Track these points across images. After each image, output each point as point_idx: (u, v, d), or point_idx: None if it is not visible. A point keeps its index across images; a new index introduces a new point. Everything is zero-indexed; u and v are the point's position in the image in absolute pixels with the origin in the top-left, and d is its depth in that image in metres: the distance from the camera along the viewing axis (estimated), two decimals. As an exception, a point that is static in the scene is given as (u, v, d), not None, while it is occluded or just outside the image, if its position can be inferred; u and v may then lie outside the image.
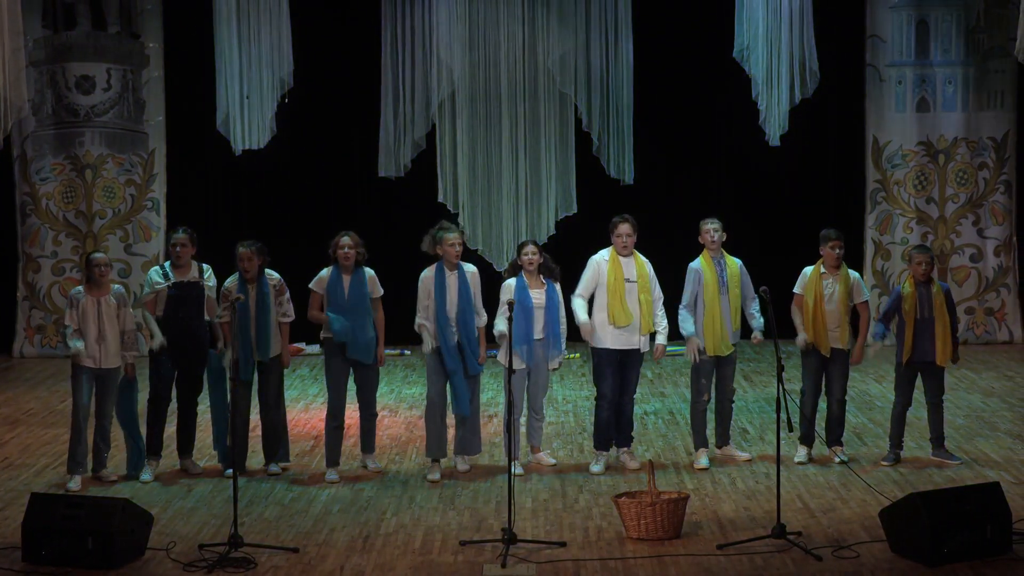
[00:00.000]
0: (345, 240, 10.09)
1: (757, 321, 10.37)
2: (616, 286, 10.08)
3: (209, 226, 15.28)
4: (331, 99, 16.29)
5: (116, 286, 10.19)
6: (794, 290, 10.38)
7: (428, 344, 10.03)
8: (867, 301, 10.42)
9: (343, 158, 16.34)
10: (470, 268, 10.18)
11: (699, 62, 16.07)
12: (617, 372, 10.16)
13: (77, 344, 9.78)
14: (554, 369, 10.34)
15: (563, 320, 10.26)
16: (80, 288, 10.00)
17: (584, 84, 16.04)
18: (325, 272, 10.14)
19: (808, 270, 10.36)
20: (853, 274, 10.38)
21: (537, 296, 10.13)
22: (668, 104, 16.22)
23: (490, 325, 10.20)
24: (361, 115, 16.18)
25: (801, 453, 10.27)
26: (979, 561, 7.85)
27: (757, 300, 10.34)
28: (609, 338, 10.11)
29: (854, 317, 10.39)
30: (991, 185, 16.21)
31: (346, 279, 10.09)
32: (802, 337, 10.24)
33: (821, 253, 10.33)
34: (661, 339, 10.28)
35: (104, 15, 16.04)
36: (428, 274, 10.06)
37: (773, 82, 15.38)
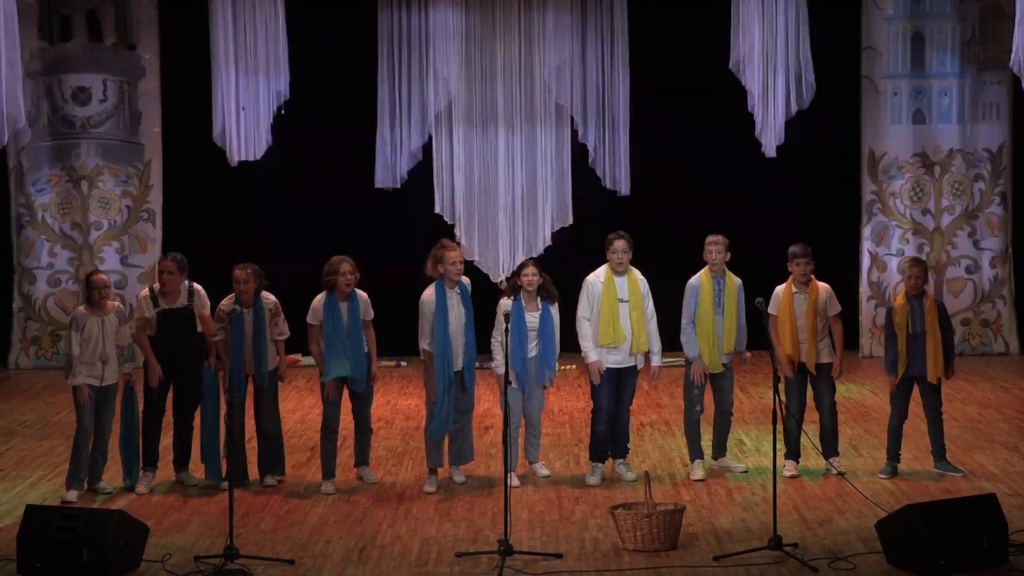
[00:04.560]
0: (346, 267, 9.96)
1: (740, 344, 10.38)
2: (610, 307, 10.07)
3: (205, 237, 15.29)
4: (327, 111, 16.30)
5: (117, 304, 10.19)
6: (769, 310, 10.30)
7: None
8: (839, 314, 10.35)
9: (339, 170, 16.34)
10: (466, 282, 10.18)
11: (695, 74, 16.08)
12: (613, 385, 10.16)
13: (77, 380, 9.78)
14: (545, 387, 10.32)
15: (556, 343, 10.24)
16: (81, 309, 10.00)
17: (580, 96, 16.06)
18: (319, 302, 10.07)
19: (779, 288, 10.34)
20: (823, 288, 10.31)
21: (532, 319, 10.12)
22: (664, 116, 16.23)
23: (483, 339, 10.22)
24: (358, 127, 16.19)
25: (789, 467, 10.26)
26: (976, 573, 7.84)
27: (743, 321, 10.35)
28: (604, 357, 10.10)
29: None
30: (987, 197, 16.23)
31: (343, 306, 10.03)
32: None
33: (789, 270, 10.32)
34: (656, 361, 10.27)
35: (100, 26, 16.05)
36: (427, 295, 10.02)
37: (769, 94, 15.39)
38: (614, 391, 10.16)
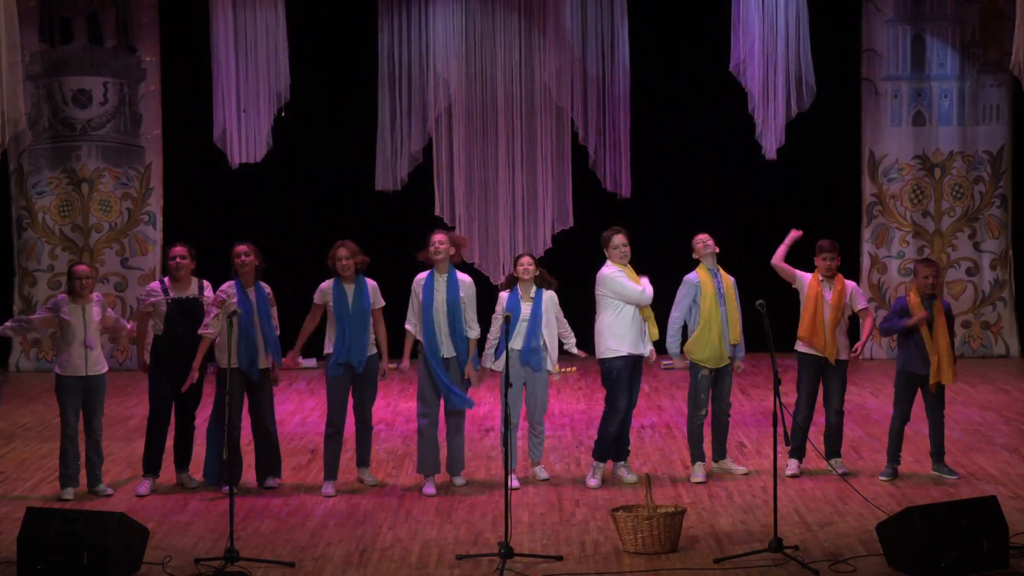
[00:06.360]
0: (342, 252, 10.06)
1: (740, 350, 10.39)
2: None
3: (206, 240, 15.25)
4: (328, 113, 16.32)
5: (95, 293, 10.15)
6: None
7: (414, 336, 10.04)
8: (867, 307, 10.44)
9: (340, 172, 16.34)
10: (464, 278, 10.17)
11: (695, 76, 16.11)
12: (630, 382, 10.13)
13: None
14: (551, 373, 10.29)
15: (549, 335, 10.17)
16: (64, 296, 10.01)
17: (580, 98, 16.07)
18: (327, 285, 10.12)
19: (807, 277, 10.38)
20: (849, 284, 10.40)
21: (525, 309, 10.14)
22: (664, 118, 16.25)
23: (482, 341, 10.22)
24: (358, 129, 16.20)
25: (792, 466, 10.28)
26: (976, 575, 7.85)
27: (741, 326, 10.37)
28: (627, 344, 10.07)
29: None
30: (987, 198, 16.24)
31: (348, 288, 10.08)
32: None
33: (815, 264, 10.38)
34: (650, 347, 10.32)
35: (101, 29, 16.07)
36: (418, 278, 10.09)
37: (769, 96, 15.41)
38: (630, 389, 10.14)
